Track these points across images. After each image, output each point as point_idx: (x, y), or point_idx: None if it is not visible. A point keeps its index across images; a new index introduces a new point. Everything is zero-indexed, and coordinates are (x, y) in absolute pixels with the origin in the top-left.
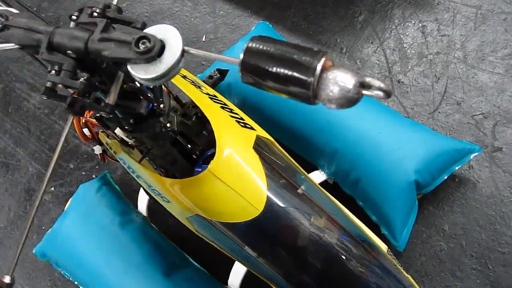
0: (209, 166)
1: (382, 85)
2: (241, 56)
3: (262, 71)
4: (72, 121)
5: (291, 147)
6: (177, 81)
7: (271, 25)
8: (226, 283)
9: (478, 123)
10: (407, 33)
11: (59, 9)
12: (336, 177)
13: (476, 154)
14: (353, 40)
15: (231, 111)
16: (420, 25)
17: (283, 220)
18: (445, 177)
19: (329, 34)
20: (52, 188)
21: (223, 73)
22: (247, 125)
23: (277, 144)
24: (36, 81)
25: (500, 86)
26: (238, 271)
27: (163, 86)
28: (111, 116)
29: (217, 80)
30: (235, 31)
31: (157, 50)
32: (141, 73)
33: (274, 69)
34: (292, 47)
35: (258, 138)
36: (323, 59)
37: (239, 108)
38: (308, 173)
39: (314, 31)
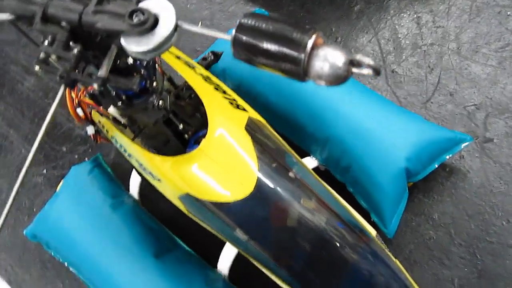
0: (200, 144)
1: (371, 62)
2: (234, 32)
3: (254, 47)
4: (65, 98)
5: (284, 133)
6: (171, 61)
7: (266, 12)
8: (216, 266)
9: (470, 114)
10: (402, 24)
11: None
12: (327, 164)
13: (467, 143)
14: (348, 29)
15: (224, 92)
16: (415, 16)
17: (273, 201)
18: (436, 166)
19: (324, 23)
20: (45, 171)
21: (217, 55)
22: (239, 107)
23: (269, 126)
24: (31, 64)
25: (493, 78)
26: (227, 255)
27: (157, 66)
28: (103, 91)
29: (211, 62)
30: (231, 18)
31: (151, 23)
32: (134, 45)
33: (266, 45)
34: (284, 24)
35: (251, 120)
36: (314, 36)
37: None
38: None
39: (310, 20)
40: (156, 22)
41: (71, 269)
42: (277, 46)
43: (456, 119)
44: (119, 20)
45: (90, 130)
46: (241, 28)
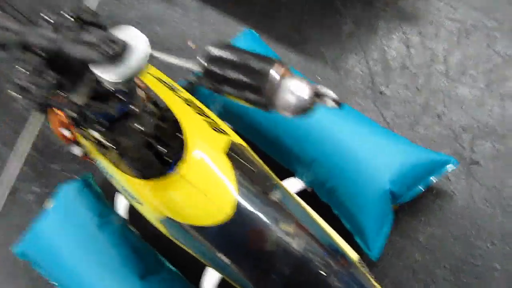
0: (177, 167)
1: (333, 95)
2: (203, 61)
3: (221, 77)
4: (44, 119)
5: (270, 154)
6: (151, 83)
7: (256, 33)
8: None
9: (457, 136)
10: (391, 45)
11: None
12: (313, 185)
13: (452, 166)
14: (337, 50)
15: (205, 115)
16: (404, 37)
17: (252, 226)
18: (421, 188)
19: (314, 44)
20: (36, 188)
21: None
22: (220, 130)
23: (250, 150)
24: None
25: (480, 99)
26: (211, 275)
27: (139, 90)
28: (82, 116)
29: (194, 85)
30: (223, 38)
31: (122, 52)
32: (105, 74)
33: (232, 75)
34: (249, 55)
35: (231, 143)
36: (277, 66)
37: (220, 114)
38: (287, 178)
39: (299, 40)
40: (127, 51)
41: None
42: (242, 77)
43: (444, 141)
44: (92, 50)
45: (77, 150)
46: (208, 58)
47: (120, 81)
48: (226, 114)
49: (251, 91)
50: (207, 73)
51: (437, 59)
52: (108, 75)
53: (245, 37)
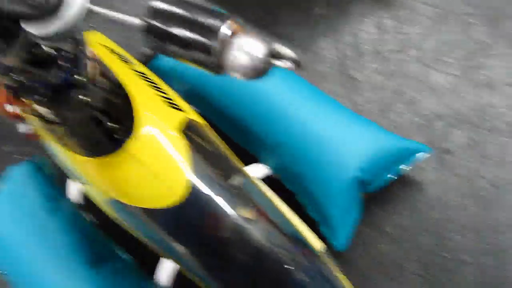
0: (125, 143)
1: (291, 53)
2: (144, 16)
3: (165, 34)
4: None
5: (234, 137)
6: (103, 54)
7: (225, 11)
8: None
9: (429, 123)
10: (363, 29)
11: None
12: (278, 171)
13: (423, 154)
14: (308, 33)
15: (158, 89)
16: (376, 21)
17: (207, 209)
18: (391, 176)
19: (285, 25)
20: None
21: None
22: (176, 106)
23: (210, 129)
24: None
25: (454, 87)
26: (166, 266)
27: (88, 59)
28: (20, 84)
29: (149, 57)
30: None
31: (54, 3)
32: (33, 28)
33: (177, 31)
34: (198, 9)
35: (188, 120)
36: (229, 23)
37: (182, 94)
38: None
39: (269, 21)
40: (60, 3)
41: (4, 276)
42: (189, 33)
43: (415, 128)
44: (20, 2)
45: (23, 127)
46: (151, 12)
47: (52, 37)
48: (187, 93)
49: (199, 50)
50: (150, 29)
51: (411, 44)
52: (38, 30)
53: None
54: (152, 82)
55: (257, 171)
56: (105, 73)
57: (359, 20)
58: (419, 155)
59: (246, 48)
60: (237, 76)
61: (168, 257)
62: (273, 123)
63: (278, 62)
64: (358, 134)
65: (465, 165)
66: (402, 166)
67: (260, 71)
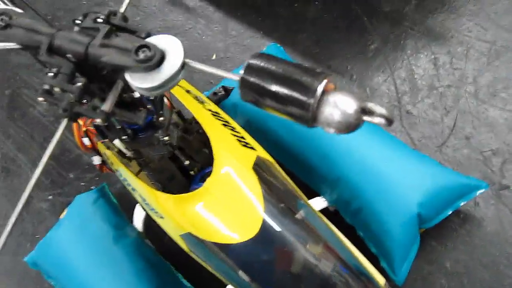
0: (205, 182)
1: (384, 111)
2: (242, 72)
3: (262, 89)
4: (71, 127)
5: (294, 172)
6: (179, 95)
7: (281, 47)
8: None
9: (486, 159)
10: (418, 64)
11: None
12: (337, 205)
13: (483, 190)
14: (364, 68)
15: (232, 129)
16: (432, 57)
17: (278, 245)
18: (449, 212)
19: (340, 60)
20: (50, 197)
21: (228, 90)
22: (248, 145)
23: (278, 166)
24: None
25: (511, 123)
26: None
27: (165, 99)
28: (107, 124)
29: (221, 97)
30: (246, 52)
31: (157, 59)
32: (138, 82)
33: (274, 88)
34: (294, 67)
35: (259, 159)
36: (325, 81)
37: (243, 129)
38: (310, 199)
39: (325, 56)
40: (162, 58)
41: None
42: (285, 89)
43: (472, 164)
44: (125, 55)
45: (96, 160)
46: (249, 68)
47: (154, 90)
48: (249, 129)
49: (295, 106)
50: (248, 85)
51: (466, 79)
52: (141, 83)
53: (270, 51)
54: (226, 122)
55: (316, 204)
56: (178, 110)
57: (415, 56)
58: (478, 191)
59: (340, 105)
60: (330, 130)
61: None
62: (334, 157)
63: (369, 119)
64: (417, 169)
65: None
66: (461, 203)
67: (352, 126)
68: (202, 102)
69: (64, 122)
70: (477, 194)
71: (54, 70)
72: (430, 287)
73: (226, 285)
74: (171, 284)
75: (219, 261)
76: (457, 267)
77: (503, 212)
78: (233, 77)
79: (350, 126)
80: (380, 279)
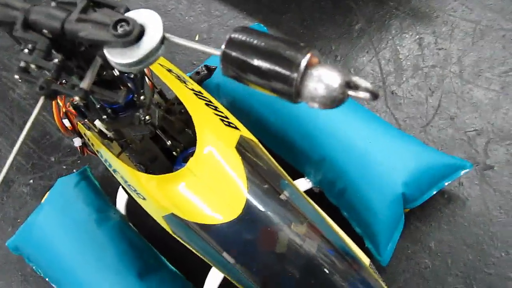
0: (188, 163)
1: (369, 85)
2: (223, 46)
3: (244, 64)
4: (51, 108)
5: (279, 153)
6: (161, 74)
7: (265, 28)
8: None
9: (470, 139)
10: (403, 45)
11: None
12: (322, 186)
13: (467, 170)
14: (348, 48)
15: (215, 108)
16: (417, 37)
17: (262, 225)
18: (434, 192)
19: (324, 40)
20: (31, 181)
21: (210, 70)
22: (231, 124)
23: (261, 146)
24: None
25: (495, 103)
26: (214, 277)
27: (146, 79)
28: (86, 103)
29: (204, 77)
30: (229, 32)
31: (136, 34)
32: (117, 57)
33: (256, 62)
34: (277, 40)
35: (242, 138)
36: (308, 55)
37: (227, 110)
38: (294, 180)
39: (309, 37)
40: (142, 33)
41: (52, 285)
42: (268, 64)
43: (456, 144)
44: (103, 30)
45: (77, 142)
46: (231, 43)
47: (133, 65)
48: (233, 109)
49: (278, 80)
50: (229, 60)
51: (451, 60)
52: (120, 58)
53: None
54: (209, 101)
55: (300, 185)
56: (160, 90)
57: (399, 36)
58: (462, 171)
59: (324, 79)
60: (314, 105)
61: (219, 268)
62: (318, 137)
63: (354, 93)
64: (402, 150)
65: (507, 181)
66: (446, 182)
67: (337, 101)
68: (184, 82)
69: (41, 100)
70: (461, 174)
71: (30, 46)
72: (414, 267)
73: (210, 267)
74: (154, 267)
75: (202, 242)
76: (441, 247)
77: (487, 192)
78: (214, 52)
79: (334, 100)
80: (365, 259)
